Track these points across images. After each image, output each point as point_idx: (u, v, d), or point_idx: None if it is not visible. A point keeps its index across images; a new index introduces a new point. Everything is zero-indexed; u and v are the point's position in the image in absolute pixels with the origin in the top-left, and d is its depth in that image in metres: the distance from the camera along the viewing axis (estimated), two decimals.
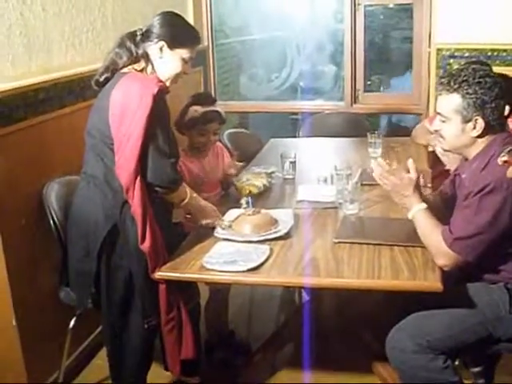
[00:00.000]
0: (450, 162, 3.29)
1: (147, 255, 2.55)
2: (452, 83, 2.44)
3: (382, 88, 5.70)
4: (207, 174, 3.47)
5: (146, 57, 2.65)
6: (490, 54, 4.64)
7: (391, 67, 5.74)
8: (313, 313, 3.32)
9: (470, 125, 2.43)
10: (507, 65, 4.58)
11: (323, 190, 3.27)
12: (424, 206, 2.50)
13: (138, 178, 2.51)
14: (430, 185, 3.27)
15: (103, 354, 3.08)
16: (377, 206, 3.11)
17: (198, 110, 3.39)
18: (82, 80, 3.25)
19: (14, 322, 2.87)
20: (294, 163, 3.62)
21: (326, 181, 3.39)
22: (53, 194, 2.94)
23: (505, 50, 4.59)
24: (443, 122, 2.51)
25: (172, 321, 2.71)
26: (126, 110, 2.50)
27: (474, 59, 4.48)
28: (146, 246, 2.54)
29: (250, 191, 3.25)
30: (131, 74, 2.61)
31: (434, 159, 3.69)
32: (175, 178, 2.60)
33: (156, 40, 2.62)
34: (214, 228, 2.81)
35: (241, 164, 3.65)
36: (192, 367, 3.02)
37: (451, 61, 4.67)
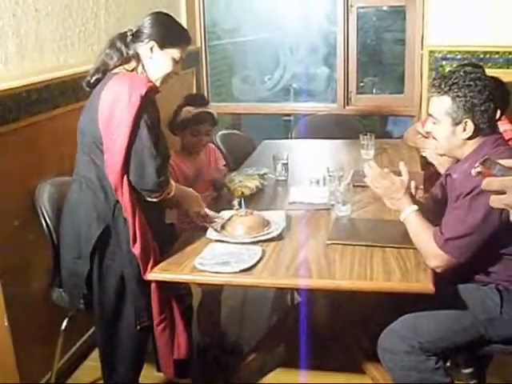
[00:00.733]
0: (441, 165, 3.30)
1: (138, 256, 2.55)
2: (443, 85, 2.46)
3: (374, 90, 5.70)
4: (199, 174, 3.48)
5: (136, 57, 2.66)
6: (482, 56, 4.65)
7: (384, 69, 5.75)
8: (305, 314, 3.32)
9: (460, 127, 2.45)
10: (499, 67, 4.60)
11: (315, 192, 3.27)
12: (415, 208, 2.51)
13: (125, 177, 2.52)
14: (421, 186, 3.28)
15: (95, 355, 3.08)
16: (369, 208, 3.12)
17: (190, 110, 3.40)
18: (74, 81, 3.24)
19: (5, 323, 2.86)
20: (286, 165, 3.63)
21: (318, 182, 3.40)
22: (45, 194, 2.93)
23: (497, 53, 4.61)
24: (434, 123, 2.52)
25: (164, 322, 2.71)
26: (114, 110, 2.50)
27: (466, 61, 4.50)
28: (136, 246, 2.54)
29: (243, 192, 3.25)
30: (120, 75, 2.61)
31: (426, 161, 3.70)
32: (159, 180, 2.55)
33: (146, 40, 2.63)
34: (205, 229, 2.81)
35: (225, 169, 3.64)
36: (184, 368, 3.02)
37: (443, 63, 4.68)
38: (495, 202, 1.25)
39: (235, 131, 4.98)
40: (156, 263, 2.58)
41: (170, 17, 2.76)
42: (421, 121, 4.30)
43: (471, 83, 2.41)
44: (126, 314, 2.71)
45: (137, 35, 2.66)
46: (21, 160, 2.91)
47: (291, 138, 4.96)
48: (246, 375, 3.30)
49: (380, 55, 5.75)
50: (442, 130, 2.50)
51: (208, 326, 3.52)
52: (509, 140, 2.94)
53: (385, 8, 5.52)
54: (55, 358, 3.06)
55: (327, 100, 5.73)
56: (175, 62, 2.68)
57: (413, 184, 2.61)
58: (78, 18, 3.45)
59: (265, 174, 3.53)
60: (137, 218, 2.56)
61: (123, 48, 2.66)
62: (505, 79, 3.10)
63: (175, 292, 2.73)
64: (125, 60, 2.67)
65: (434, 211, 2.71)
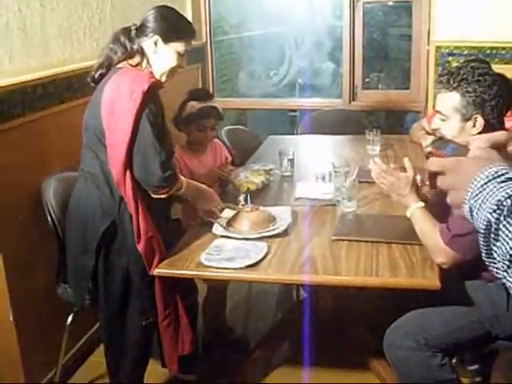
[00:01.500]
0: None
1: (142, 252, 2.55)
2: (451, 81, 2.44)
3: (380, 85, 5.69)
4: (205, 170, 3.47)
5: (140, 52, 2.65)
6: (488, 51, 4.63)
7: (390, 65, 5.73)
8: (310, 310, 3.32)
9: (470, 123, 2.43)
10: (506, 63, 4.58)
11: (321, 188, 3.26)
12: (421, 204, 2.50)
13: (128, 173, 2.52)
14: (427, 183, 3.26)
15: (101, 350, 3.08)
16: (375, 204, 3.11)
17: (195, 105, 3.39)
18: (80, 76, 3.23)
19: (11, 318, 2.86)
20: (292, 160, 3.62)
21: (324, 178, 3.39)
22: (51, 190, 2.93)
23: (503, 48, 4.59)
24: (443, 120, 2.51)
25: (169, 317, 2.71)
26: (116, 106, 2.50)
27: (472, 57, 4.48)
28: (140, 242, 2.54)
29: (249, 188, 3.25)
30: (124, 70, 2.60)
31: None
32: (164, 176, 2.55)
33: (150, 34, 2.62)
34: (211, 224, 2.81)
35: (231, 167, 3.63)
36: (189, 364, 3.02)
37: (450, 58, 4.67)
38: (439, 182, 1.24)
39: (241, 127, 4.97)
40: (161, 259, 2.58)
41: (174, 10, 2.75)
42: (426, 117, 4.28)
43: (480, 78, 2.40)
44: (132, 309, 2.71)
45: (141, 30, 2.65)
46: (26, 155, 2.91)
47: (297, 133, 4.95)
48: (251, 371, 3.30)
49: (386, 50, 5.74)
50: (450, 126, 2.48)
51: (213, 322, 3.52)
52: None
53: (391, 3, 5.51)
54: (60, 354, 3.06)
55: (333, 95, 5.72)
56: (180, 55, 2.67)
57: (418, 178, 2.60)
58: (84, 13, 3.44)
59: (271, 169, 3.52)
60: (140, 213, 2.56)
61: (127, 43, 2.65)
62: (511, 75, 3.09)
63: (181, 287, 2.73)
64: (129, 55, 2.66)
65: (440, 207, 2.69)
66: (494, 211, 1.07)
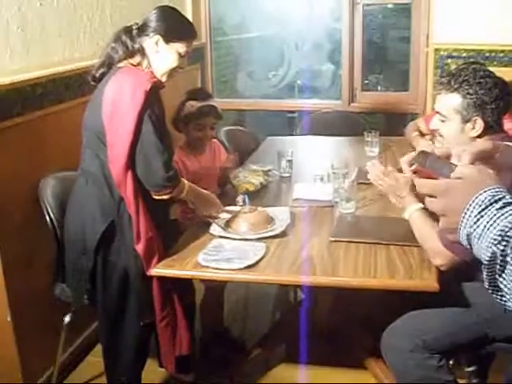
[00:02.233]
0: None
1: (141, 253, 2.55)
2: (452, 83, 2.44)
3: (379, 87, 5.69)
4: (204, 170, 3.47)
5: (141, 51, 2.64)
6: (487, 54, 4.64)
7: (389, 67, 5.74)
8: (308, 311, 3.32)
9: (470, 125, 2.44)
10: (504, 65, 4.59)
11: (320, 189, 3.27)
12: (420, 205, 2.50)
13: (129, 173, 2.52)
14: None
15: (98, 350, 3.08)
16: (373, 205, 3.11)
17: (194, 104, 3.39)
18: (80, 75, 3.24)
19: (8, 318, 2.86)
20: (290, 161, 3.63)
21: (322, 179, 3.40)
22: (49, 189, 2.93)
23: (502, 51, 4.60)
24: (442, 121, 2.51)
25: (167, 318, 2.71)
26: (118, 106, 2.50)
27: (471, 59, 4.49)
28: (140, 244, 2.54)
29: (247, 189, 3.25)
30: (125, 69, 2.60)
31: None
32: (168, 175, 2.56)
33: (152, 34, 2.62)
34: (209, 224, 2.81)
35: (235, 158, 3.64)
36: (186, 364, 3.02)
37: (449, 61, 4.67)
38: (428, 205, 1.21)
39: (239, 127, 4.97)
40: (160, 260, 2.58)
41: (176, 10, 2.75)
42: (424, 116, 4.28)
43: (482, 81, 2.40)
44: (130, 309, 2.71)
45: (142, 29, 2.65)
46: (25, 154, 2.91)
47: (296, 134, 4.96)
48: (248, 371, 3.30)
49: (385, 53, 5.74)
50: (450, 127, 2.48)
51: (211, 322, 3.51)
52: None
53: (390, 5, 5.51)
54: (58, 353, 3.06)
55: (332, 97, 5.72)
56: (181, 56, 2.66)
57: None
58: (84, 12, 3.45)
59: (269, 170, 3.52)
60: (140, 215, 2.56)
61: (128, 42, 2.65)
62: (510, 78, 3.09)
63: (178, 288, 2.73)
64: (130, 54, 2.66)
65: None
66: (499, 242, 1.05)
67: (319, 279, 2.44)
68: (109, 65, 2.66)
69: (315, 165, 3.70)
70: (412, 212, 2.50)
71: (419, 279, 2.33)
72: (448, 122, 2.48)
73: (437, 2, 4.73)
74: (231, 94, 6.16)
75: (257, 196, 3.27)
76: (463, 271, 2.45)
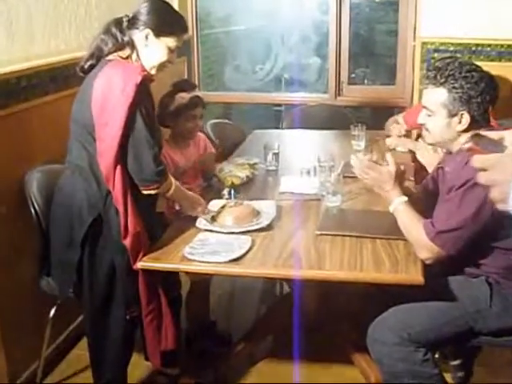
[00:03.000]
0: (429, 164, 3.29)
1: (129, 247, 2.54)
2: (438, 77, 2.44)
3: (366, 81, 5.70)
4: (190, 164, 3.47)
5: (131, 44, 2.62)
6: (474, 48, 4.65)
7: (376, 60, 5.74)
8: (294, 304, 3.32)
9: (456, 119, 2.44)
10: (491, 60, 4.60)
11: (306, 182, 3.27)
12: (405, 198, 2.50)
13: (119, 167, 2.50)
14: (412, 178, 3.28)
15: (84, 343, 3.07)
16: (359, 199, 3.12)
17: (184, 96, 3.39)
18: (65, 68, 3.22)
19: None
20: (277, 155, 3.63)
21: (308, 173, 3.39)
22: (34, 182, 2.91)
23: (489, 45, 4.61)
24: (429, 115, 2.51)
25: (152, 312, 2.70)
26: (107, 99, 2.48)
27: (458, 54, 4.52)
28: (127, 238, 2.53)
29: (233, 182, 3.25)
30: (115, 62, 2.58)
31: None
32: (158, 169, 2.55)
33: (142, 27, 2.59)
34: (195, 218, 2.80)
35: (214, 152, 3.63)
36: (172, 358, 3.01)
37: (436, 55, 4.67)
38: (479, 178, 1.25)
39: (226, 120, 4.96)
40: (146, 254, 2.57)
41: (167, 4, 2.73)
42: (404, 114, 4.28)
43: (467, 75, 2.40)
44: (116, 303, 2.70)
45: (132, 22, 2.62)
46: (10, 147, 2.89)
47: (282, 127, 4.96)
48: (234, 365, 3.30)
49: (372, 46, 5.75)
50: (436, 121, 2.49)
51: (197, 316, 3.50)
52: None
53: None
54: (43, 347, 3.05)
55: (319, 90, 5.72)
56: (170, 50, 2.64)
57: (402, 167, 2.59)
58: (69, 3, 3.41)
59: (255, 163, 3.52)
60: (129, 208, 2.54)
61: (118, 34, 2.62)
62: (497, 72, 3.09)
63: (164, 281, 2.72)
64: (119, 46, 2.63)
65: (425, 203, 2.70)
66: None
67: (305, 273, 2.44)
68: (98, 57, 2.63)
69: (301, 158, 3.71)
70: (397, 205, 2.51)
71: (404, 273, 2.34)
72: (434, 116, 2.48)
73: None
74: (218, 87, 6.15)
75: (243, 189, 3.26)
76: (449, 265, 2.47)
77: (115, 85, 2.47)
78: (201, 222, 2.77)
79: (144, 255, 2.56)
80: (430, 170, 3.21)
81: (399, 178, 2.56)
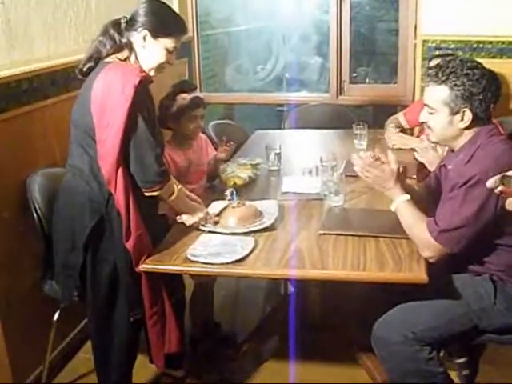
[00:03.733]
0: (430, 164, 3.28)
1: (131, 250, 2.53)
2: (440, 75, 2.43)
3: (367, 80, 5.69)
4: (192, 165, 3.47)
5: (129, 45, 2.60)
6: (475, 45, 4.65)
7: (377, 59, 5.74)
8: (298, 304, 3.32)
9: (458, 117, 2.43)
10: (492, 57, 4.59)
11: (308, 182, 3.26)
12: (407, 197, 2.50)
13: (120, 169, 2.49)
14: (414, 176, 3.27)
15: (88, 347, 3.06)
16: (362, 198, 3.11)
17: (185, 97, 3.40)
18: (65, 71, 3.22)
19: None
20: (279, 155, 3.62)
21: (311, 172, 3.39)
22: (36, 186, 2.91)
23: (490, 42, 4.60)
24: (431, 113, 2.50)
25: (156, 314, 2.70)
26: (107, 101, 2.47)
27: (459, 51, 4.51)
28: (130, 241, 2.53)
29: (235, 183, 3.24)
30: (113, 64, 2.57)
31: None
32: (160, 170, 2.54)
33: (140, 29, 2.57)
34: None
35: (231, 147, 3.61)
36: (177, 360, 3.02)
37: (437, 52, 4.66)
38: None
39: (228, 121, 4.96)
40: (149, 256, 2.56)
41: (165, 5, 2.71)
42: (404, 111, 4.27)
43: (469, 72, 2.39)
44: (119, 306, 2.69)
45: (130, 23, 2.60)
46: (11, 151, 2.88)
47: (284, 127, 4.95)
48: (239, 366, 3.30)
49: (373, 45, 5.74)
50: (438, 119, 2.48)
51: (201, 318, 3.50)
52: None
53: None
54: (48, 351, 3.04)
55: (320, 90, 5.72)
56: (169, 52, 2.62)
57: (401, 169, 2.58)
58: (69, 7, 3.41)
59: (257, 164, 3.51)
60: (131, 211, 2.54)
61: (116, 36, 2.61)
62: (498, 69, 3.08)
63: (167, 283, 2.71)
64: (118, 48, 2.62)
65: (427, 202, 2.70)
66: None
67: (308, 273, 2.44)
68: (96, 59, 2.63)
69: (304, 158, 3.70)
70: (399, 203, 2.50)
71: (408, 271, 2.33)
72: (436, 114, 2.47)
73: None
74: (219, 88, 6.16)
75: (245, 190, 3.26)
76: (452, 263, 2.46)
77: (114, 87, 2.46)
78: (203, 224, 2.76)
79: (147, 257, 2.55)
80: (431, 169, 3.20)
81: (400, 176, 2.55)
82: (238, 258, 2.45)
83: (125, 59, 2.62)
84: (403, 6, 5.07)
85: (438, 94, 2.45)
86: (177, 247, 2.62)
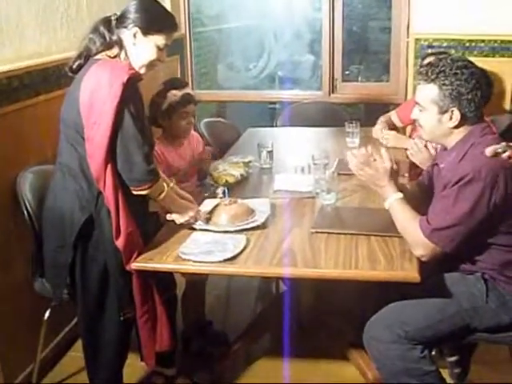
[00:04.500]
0: (422, 163, 3.28)
1: (121, 249, 2.52)
2: (430, 73, 2.43)
3: (359, 78, 5.70)
4: (183, 163, 3.46)
5: (119, 43, 2.58)
6: (467, 44, 4.66)
7: (369, 57, 5.74)
8: (290, 303, 3.31)
9: (447, 116, 2.43)
10: (485, 55, 4.60)
11: (300, 180, 3.26)
12: (400, 195, 2.49)
13: (109, 167, 2.47)
14: (407, 175, 3.27)
15: (79, 345, 3.05)
16: (354, 196, 3.11)
17: (176, 93, 3.38)
18: (56, 68, 3.20)
19: None
20: (271, 152, 3.62)
21: (303, 170, 3.39)
22: (26, 183, 2.89)
23: (482, 41, 4.61)
24: (421, 111, 2.50)
25: (147, 313, 2.68)
26: (95, 99, 2.45)
27: (452, 49, 4.51)
28: (120, 239, 2.51)
29: (227, 181, 3.23)
30: (102, 62, 2.55)
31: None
32: (148, 169, 2.52)
33: (130, 26, 2.55)
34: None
35: (210, 149, 3.62)
36: (168, 358, 3.01)
37: (429, 51, 4.66)
38: None
39: (220, 119, 4.96)
40: (140, 254, 2.55)
41: (156, 2, 2.69)
42: (397, 109, 4.27)
43: (458, 71, 2.39)
44: (110, 304, 2.68)
45: (121, 20, 2.59)
46: (1, 148, 2.87)
47: (276, 125, 4.95)
48: (231, 364, 3.29)
49: (366, 43, 5.74)
50: (428, 117, 2.48)
51: (192, 316, 3.49)
52: None
53: None
54: (38, 349, 3.03)
55: (312, 88, 5.72)
56: (159, 49, 2.60)
57: (395, 167, 2.58)
58: (60, 3, 3.40)
59: (249, 161, 3.51)
60: (120, 209, 2.52)
61: (106, 33, 2.60)
62: (490, 67, 3.10)
63: (159, 282, 2.70)
64: (108, 45, 2.60)
65: (420, 199, 2.69)
66: None
67: (300, 271, 2.43)
68: (86, 56, 2.61)
69: (296, 156, 3.69)
70: (392, 202, 2.50)
71: (400, 270, 2.32)
72: (426, 112, 2.48)
73: None
74: (211, 86, 6.15)
75: (237, 188, 3.25)
76: (444, 262, 2.46)
77: (102, 84, 2.45)
78: (195, 222, 2.75)
79: (138, 255, 2.54)
80: (423, 167, 3.20)
81: (394, 174, 2.55)
82: (229, 256, 2.45)
83: (114, 56, 2.60)
84: (396, 5, 5.08)
85: (428, 93, 2.45)
86: (168, 245, 2.61)
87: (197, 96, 3.57)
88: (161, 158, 3.32)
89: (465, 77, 2.39)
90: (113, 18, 2.61)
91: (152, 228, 2.77)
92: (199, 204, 2.86)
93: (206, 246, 2.55)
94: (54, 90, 3.22)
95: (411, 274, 2.29)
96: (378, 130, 4.08)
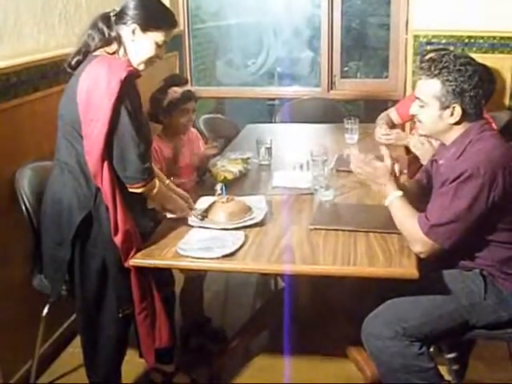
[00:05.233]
0: (423, 156, 3.28)
1: (119, 245, 2.52)
2: (433, 69, 2.42)
3: (358, 74, 5.70)
4: (182, 159, 3.45)
5: (118, 39, 2.58)
6: (466, 40, 4.65)
7: (368, 53, 5.74)
8: (289, 299, 3.31)
9: (448, 112, 2.42)
10: (484, 52, 4.59)
11: (299, 176, 3.25)
12: (400, 193, 2.49)
13: (106, 164, 2.47)
14: (405, 171, 3.27)
15: (78, 341, 3.06)
16: (353, 193, 3.11)
17: (176, 90, 3.39)
18: (55, 64, 3.19)
19: None
20: (269, 149, 3.61)
21: (301, 167, 3.38)
22: (25, 180, 2.89)
23: (482, 37, 4.61)
24: (421, 106, 2.49)
25: (145, 310, 2.68)
26: (92, 95, 2.44)
27: (451, 46, 4.51)
28: (118, 235, 2.51)
29: (226, 177, 3.23)
30: (101, 58, 2.54)
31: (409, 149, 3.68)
32: (143, 167, 2.51)
33: (129, 22, 2.54)
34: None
35: (216, 144, 3.62)
36: (167, 355, 3.00)
37: (428, 47, 4.66)
38: None
39: (219, 115, 4.95)
40: (138, 250, 2.54)
41: None
42: (396, 106, 4.27)
43: (462, 68, 2.38)
44: (108, 301, 2.68)
45: (120, 16, 2.58)
46: (0, 144, 2.86)
47: (275, 122, 4.94)
48: (229, 361, 3.29)
49: (364, 39, 5.74)
50: (428, 113, 2.47)
51: (191, 312, 3.50)
52: None
53: None
54: (37, 345, 3.03)
55: (311, 84, 5.72)
56: (158, 46, 2.59)
57: (397, 167, 2.58)
58: (59, 0, 3.39)
59: (248, 158, 3.50)
60: (118, 206, 2.52)
61: (105, 29, 2.59)
62: (489, 64, 3.10)
63: (157, 278, 2.70)
64: (106, 42, 2.60)
65: (419, 197, 2.69)
66: None
67: (299, 267, 2.43)
68: (85, 52, 2.60)
69: (294, 152, 3.69)
70: (392, 199, 2.49)
71: (399, 266, 2.32)
72: (427, 107, 2.47)
73: None
74: (210, 82, 6.15)
75: (236, 184, 3.25)
76: (443, 258, 2.46)
77: (100, 81, 2.44)
78: (193, 220, 2.75)
79: (136, 252, 2.54)
80: (423, 162, 3.20)
81: (394, 173, 2.55)
82: (228, 252, 2.45)
83: (113, 53, 2.60)
84: (395, 1, 5.07)
85: (430, 88, 2.44)
86: (167, 241, 2.61)
87: (196, 92, 3.57)
88: (160, 155, 3.31)
89: (468, 73, 2.38)
90: (112, 14, 2.60)
91: (150, 224, 2.77)
92: (195, 201, 2.86)
93: (205, 242, 2.55)
94: (52, 87, 3.21)
95: (409, 270, 2.29)
96: (380, 133, 4.04)
